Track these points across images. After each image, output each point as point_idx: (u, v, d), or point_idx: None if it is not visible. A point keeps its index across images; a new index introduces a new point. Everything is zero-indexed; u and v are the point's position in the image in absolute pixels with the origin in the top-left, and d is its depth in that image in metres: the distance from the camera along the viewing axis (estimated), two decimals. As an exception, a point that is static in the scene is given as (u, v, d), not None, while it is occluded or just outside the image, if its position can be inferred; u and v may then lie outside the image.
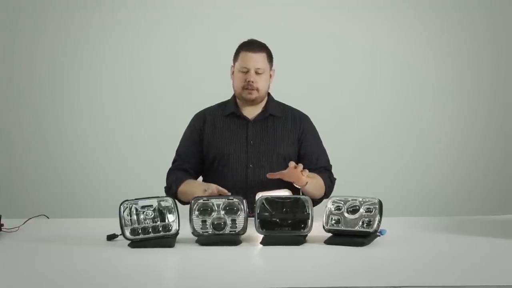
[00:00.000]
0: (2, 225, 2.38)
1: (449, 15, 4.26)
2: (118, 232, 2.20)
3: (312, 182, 2.59)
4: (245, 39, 2.84)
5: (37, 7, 4.23)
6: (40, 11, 4.23)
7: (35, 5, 4.23)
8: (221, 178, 2.73)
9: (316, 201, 2.66)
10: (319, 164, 2.80)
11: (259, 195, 2.27)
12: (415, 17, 4.26)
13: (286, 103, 2.91)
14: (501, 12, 4.28)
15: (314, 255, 2.04)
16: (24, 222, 2.50)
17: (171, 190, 2.75)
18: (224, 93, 2.91)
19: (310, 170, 2.78)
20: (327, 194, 2.73)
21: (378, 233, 2.15)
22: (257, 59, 2.74)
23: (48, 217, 2.66)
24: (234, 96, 2.87)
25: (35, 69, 4.25)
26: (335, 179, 2.83)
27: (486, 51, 4.28)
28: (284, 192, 2.45)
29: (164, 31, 4.24)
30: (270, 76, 2.82)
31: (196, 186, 2.65)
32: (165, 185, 2.83)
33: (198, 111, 2.92)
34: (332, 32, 4.24)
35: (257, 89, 2.75)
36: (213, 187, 2.52)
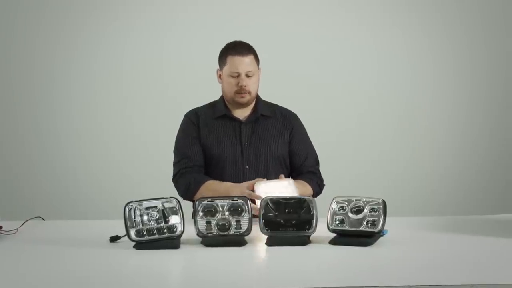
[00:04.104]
0: (1, 227, 2.35)
1: (447, 16, 4.32)
2: (120, 233, 2.19)
3: (301, 192, 2.58)
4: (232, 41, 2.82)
5: (34, 9, 4.21)
6: (37, 13, 4.22)
7: (32, 7, 4.21)
8: (218, 180, 2.71)
9: None
10: (306, 164, 2.80)
11: (260, 185, 2.27)
12: (414, 17, 4.31)
13: (286, 104, 2.92)
14: (498, 12, 4.34)
15: (319, 255, 2.04)
16: (22, 224, 2.48)
17: (189, 192, 2.69)
18: (219, 94, 2.91)
19: (297, 170, 2.81)
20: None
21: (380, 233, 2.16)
22: (246, 63, 2.72)
23: (44, 219, 2.64)
24: (222, 98, 2.85)
25: (32, 70, 4.23)
26: (323, 184, 2.83)
27: (483, 51, 4.34)
28: (284, 181, 2.46)
29: (161, 32, 4.26)
30: (258, 76, 2.80)
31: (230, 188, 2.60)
32: (174, 187, 2.79)
33: (188, 111, 2.90)
34: (330, 33, 4.27)
35: (249, 92, 2.74)
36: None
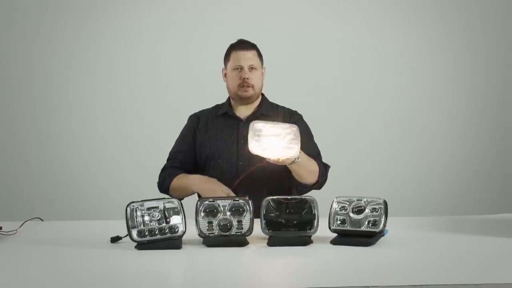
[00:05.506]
0: (0, 228, 2.34)
1: (446, 17, 4.34)
2: (120, 234, 2.20)
3: (305, 156, 2.53)
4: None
5: (33, 10, 4.21)
6: (36, 14, 4.22)
7: (30, 8, 4.21)
8: (212, 176, 2.73)
9: (307, 187, 2.68)
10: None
11: (254, 123, 2.34)
12: (414, 17, 4.34)
13: (285, 105, 2.92)
14: (496, 12, 4.36)
15: (321, 255, 2.04)
16: (21, 225, 2.47)
17: (164, 185, 2.79)
18: (222, 95, 2.92)
19: None
20: (320, 183, 2.71)
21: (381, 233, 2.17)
22: (249, 56, 2.77)
23: (42, 220, 2.63)
24: (228, 98, 2.88)
25: (31, 71, 4.23)
26: (329, 166, 2.79)
27: (481, 51, 4.36)
28: (285, 124, 2.40)
29: (160, 33, 4.27)
30: (262, 74, 2.83)
31: (207, 182, 2.67)
32: (157, 181, 2.86)
33: (193, 113, 2.94)
34: (330, 33, 4.30)
35: (252, 86, 2.77)
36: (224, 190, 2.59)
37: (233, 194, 2.59)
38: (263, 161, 2.45)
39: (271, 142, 2.35)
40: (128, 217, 2.10)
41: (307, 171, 2.62)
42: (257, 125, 2.38)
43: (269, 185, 2.63)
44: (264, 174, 2.65)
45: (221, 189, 2.61)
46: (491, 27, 4.36)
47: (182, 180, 2.75)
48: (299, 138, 2.35)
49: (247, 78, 2.75)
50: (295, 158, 2.41)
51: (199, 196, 2.74)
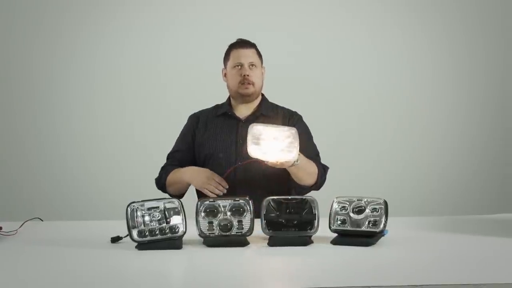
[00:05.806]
0: (0, 228, 2.34)
1: (446, 16, 4.34)
2: (120, 234, 2.20)
3: (304, 159, 2.52)
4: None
5: (32, 10, 4.21)
6: (36, 14, 4.22)
7: (29, 8, 4.21)
8: None
9: (305, 188, 2.67)
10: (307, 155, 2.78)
11: (253, 126, 2.34)
12: (414, 17, 4.34)
13: (285, 105, 2.91)
14: (496, 12, 4.37)
15: (321, 256, 2.05)
16: (21, 225, 2.47)
17: (160, 181, 2.81)
18: (221, 95, 2.91)
19: None
20: (318, 184, 2.70)
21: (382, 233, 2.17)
22: (248, 54, 2.77)
23: (42, 220, 2.63)
24: (229, 98, 2.88)
25: (30, 71, 4.23)
26: (327, 167, 2.78)
27: (481, 51, 4.36)
28: (284, 127, 2.40)
29: (159, 33, 4.27)
30: (262, 73, 2.83)
31: (195, 172, 2.69)
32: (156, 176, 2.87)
33: (193, 112, 2.94)
34: (330, 33, 4.30)
35: (253, 83, 2.76)
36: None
37: (225, 183, 2.60)
38: (261, 162, 2.44)
39: (270, 145, 2.35)
40: (128, 217, 2.11)
41: (306, 173, 2.61)
42: (256, 128, 2.37)
43: (268, 187, 2.62)
44: (263, 176, 2.66)
45: (213, 177, 2.61)
46: (491, 27, 4.37)
47: (176, 173, 2.76)
48: (298, 141, 2.34)
49: (248, 75, 2.74)
50: (294, 161, 2.41)
51: (198, 194, 2.74)
